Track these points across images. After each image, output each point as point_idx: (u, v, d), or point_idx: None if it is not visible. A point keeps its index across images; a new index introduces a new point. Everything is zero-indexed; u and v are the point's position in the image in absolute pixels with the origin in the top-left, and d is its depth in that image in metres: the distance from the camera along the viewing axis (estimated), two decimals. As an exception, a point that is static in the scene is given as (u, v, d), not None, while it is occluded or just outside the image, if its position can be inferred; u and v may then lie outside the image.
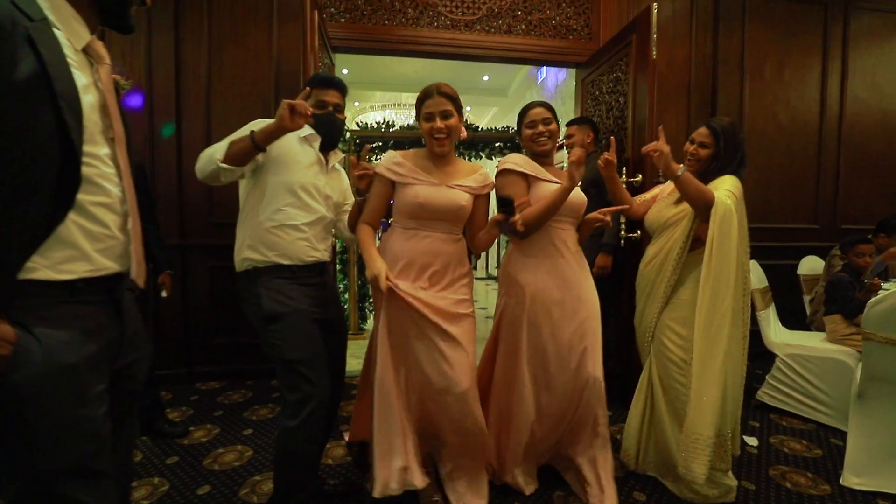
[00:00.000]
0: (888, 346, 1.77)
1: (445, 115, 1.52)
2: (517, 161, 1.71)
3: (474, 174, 1.62)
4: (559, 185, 1.59)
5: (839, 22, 3.49)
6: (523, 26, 3.17)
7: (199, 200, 2.83)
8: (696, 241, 1.75)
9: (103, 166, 0.86)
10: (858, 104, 3.56)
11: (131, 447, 1.00)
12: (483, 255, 9.00)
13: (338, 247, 3.94)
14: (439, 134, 1.53)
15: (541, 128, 1.69)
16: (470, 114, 7.31)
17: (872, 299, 1.79)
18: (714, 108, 3.33)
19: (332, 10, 2.96)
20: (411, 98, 6.57)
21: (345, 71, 5.49)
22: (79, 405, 0.77)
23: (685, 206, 1.79)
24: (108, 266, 0.86)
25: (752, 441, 2.19)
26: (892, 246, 2.55)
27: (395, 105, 6.52)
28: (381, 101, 6.52)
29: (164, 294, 2.23)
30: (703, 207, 1.65)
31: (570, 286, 1.67)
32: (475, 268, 9.05)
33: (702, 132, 1.81)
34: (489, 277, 8.23)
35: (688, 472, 1.60)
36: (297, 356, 1.45)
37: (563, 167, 2.17)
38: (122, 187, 0.91)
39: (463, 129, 1.60)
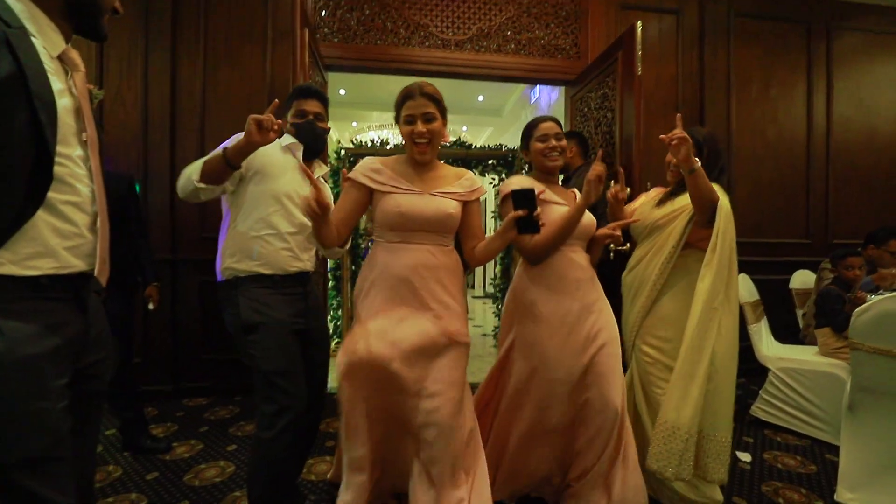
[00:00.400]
0: (876, 355, 1.75)
1: (428, 119, 1.37)
2: (523, 182, 1.59)
3: (460, 179, 1.47)
4: (573, 207, 1.51)
5: (822, 41, 3.57)
6: (513, 46, 3.24)
7: (191, 215, 2.85)
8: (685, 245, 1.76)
9: (75, 167, 0.88)
10: (845, 120, 3.61)
11: (93, 449, 0.99)
12: (479, 271, 8.99)
13: (331, 263, 3.95)
14: (420, 139, 1.38)
15: (553, 142, 1.60)
16: (466, 133, 7.41)
17: (858, 309, 1.78)
18: (702, 123, 3.38)
19: (326, 30, 3.04)
20: (408, 118, 6.67)
21: (342, 91, 5.60)
22: (38, 398, 0.77)
23: (671, 208, 1.80)
24: (75, 264, 0.87)
25: (745, 457, 2.14)
26: (881, 257, 2.55)
27: (391, 125, 6.61)
28: (378, 120, 6.63)
29: (151, 307, 2.23)
30: (708, 205, 1.65)
31: (588, 311, 1.56)
32: (472, 286, 9.03)
33: None
34: (486, 296, 8.19)
35: (660, 468, 1.55)
36: (272, 367, 1.44)
37: None
38: (93, 188, 0.92)
39: (446, 132, 1.49)
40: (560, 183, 2.05)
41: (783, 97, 3.53)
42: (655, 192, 1.96)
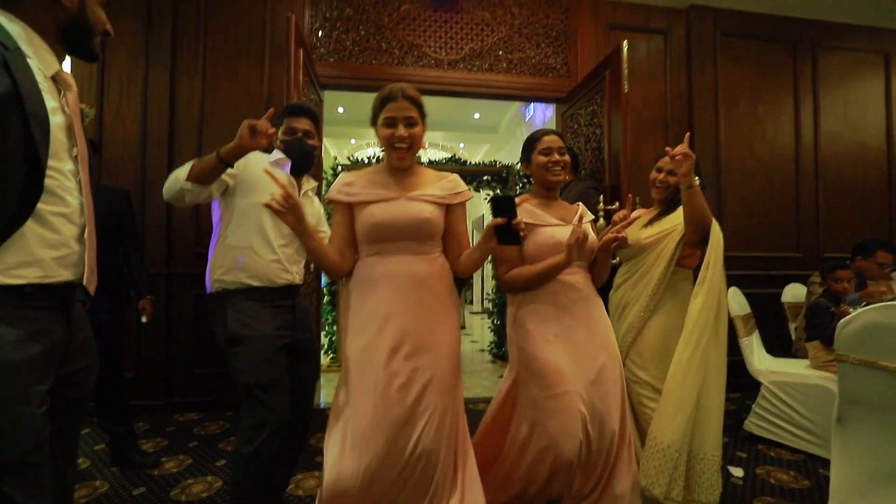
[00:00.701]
0: (862, 367, 1.75)
1: (410, 123, 1.29)
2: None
3: (441, 181, 1.37)
4: (553, 260, 1.43)
5: (808, 60, 3.66)
6: (504, 65, 3.33)
7: (187, 229, 2.88)
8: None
9: (65, 180, 0.91)
10: (833, 137, 3.67)
11: (73, 458, 1.00)
12: (477, 286, 8.98)
13: (325, 278, 3.97)
14: (400, 143, 1.29)
15: (556, 156, 1.55)
16: (463, 150, 7.51)
17: (842, 320, 1.79)
18: (692, 140, 3.42)
19: (322, 50, 3.12)
20: (406, 135, 6.77)
21: (340, 109, 5.70)
22: (19, 402, 0.79)
23: (659, 229, 1.83)
24: (61, 274, 0.90)
25: (738, 472, 2.12)
26: (870, 268, 2.57)
27: (389, 141, 6.72)
28: (375, 138, 6.73)
29: (144, 320, 2.24)
30: (701, 223, 1.67)
31: (584, 330, 1.49)
32: (469, 301, 9.00)
33: (668, 161, 1.87)
34: (484, 311, 8.18)
35: (648, 486, 1.54)
36: (254, 380, 1.45)
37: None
38: (82, 201, 0.95)
39: (424, 140, 1.42)
40: None
41: (771, 114, 3.59)
42: (638, 213, 1.99)
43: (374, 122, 1.35)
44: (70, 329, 0.93)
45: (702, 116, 3.46)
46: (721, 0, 3.44)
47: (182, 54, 2.94)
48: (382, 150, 1.38)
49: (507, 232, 1.20)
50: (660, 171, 1.91)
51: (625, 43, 2.54)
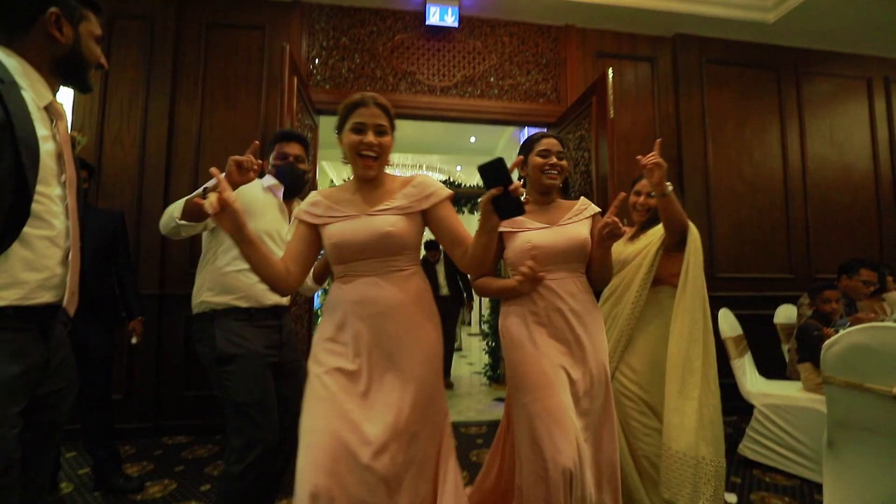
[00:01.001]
0: (849, 389, 1.74)
1: (380, 131, 1.20)
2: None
3: (405, 188, 1.25)
4: (507, 284, 1.40)
5: (792, 86, 3.75)
6: (496, 91, 3.42)
7: (181, 251, 2.92)
8: (655, 280, 1.80)
9: (52, 205, 0.95)
10: (820, 160, 3.73)
11: (44, 481, 1.00)
12: (477, 306, 8.91)
13: (318, 301, 3.98)
14: (368, 151, 1.19)
15: (554, 159, 1.50)
16: (461, 173, 7.61)
17: (827, 342, 1.79)
18: (680, 163, 3.50)
19: (318, 77, 3.22)
20: (403, 158, 6.89)
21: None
22: None
23: (640, 246, 1.86)
24: (42, 296, 0.92)
25: (731, 498, 2.08)
26: (855, 287, 2.59)
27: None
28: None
29: (134, 341, 2.25)
30: (678, 229, 1.71)
31: (573, 344, 1.42)
32: (468, 323, 8.91)
33: (646, 184, 1.91)
34: (482, 333, 8.12)
35: (671, 498, 1.54)
36: (245, 398, 1.46)
37: None
38: (68, 224, 0.99)
39: (389, 157, 1.32)
40: None
41: (758, 137, 3.66)
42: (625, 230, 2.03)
43: (339, 130, 1.24)
44: (48, 350, 0.94)
45: (690, 140, 3.53)
46: (705, 29, 3.55)
47: (182, 82, 3.03)
48: (345, 162, 1.27)
49: (506, 202, 1.04)
50: (639, 194, 1.94)
51: (609, 70, 2.62)
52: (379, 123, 1.21)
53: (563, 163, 1.52)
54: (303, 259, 1.24)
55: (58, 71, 0.99)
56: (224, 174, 1.42)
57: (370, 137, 1.19)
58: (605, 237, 1.36)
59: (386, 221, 1.20)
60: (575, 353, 1.41)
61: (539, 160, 1.51)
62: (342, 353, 1.17)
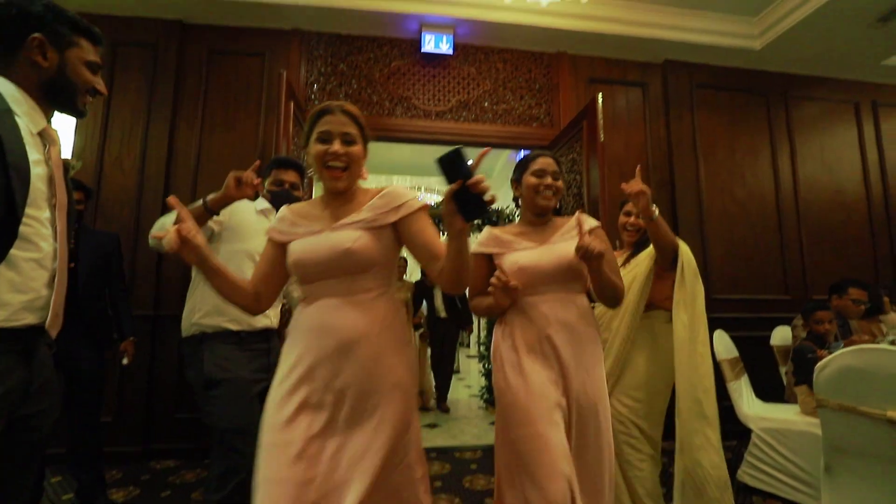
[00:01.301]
0: (843, 413, 1.72)
1: (347, 140, 1.11)
2: (481, 240, 1.49)
3: (373, 199, 1.13)
4: (488, 300, 1.38)
5: (781, 110, 3.82)
6: (490, 115, 3.49)
7: (176, 272, 2.93)
8: (647, 304, 1.83)
9: (41, 227, 0.97)
10: (811, 181, 3.77)
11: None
12: (476, 328, 8.83)
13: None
14: (335, 162, 1.09)
15: (549, 180, 1.43)
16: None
17: (819, 364, 1.78)
18: (672, 185, 3.54)
19: (316, 102, 3.29)
20: (402, 181, 6.98)
21: (338, 156, 5.92)
22: None
23: (631, 270, 1.87)
24: (25, 318, 0.93)
25: (730, 525, 2.03)
26: (846, 306, 2.59)
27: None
28: (373, 183, 6.95)
29: (125, 361, 2.24)
30: (669, 248, 1.78)
31: (569, 368, 1.31)
32: (466, 345, 8.82)
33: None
34: (480, 356, 8.05)
35: None
36: (229, 424, 1.44)
37: None
38: (55, 247, 1.00)
39: (365, 170, 1.20)
40: None
41: (749, 159, 3.71)
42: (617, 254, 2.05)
43: (306, 141, 1.15)
44: (31, 372, 0.94)
45: (682, 163, 3.58)
46: (694, 55, 3.64)
47: (183, 106, 3.10)
48: (312, 174, 1.19)
49: (466, 199, 0.91)
50: (628, 214, 1.97)
51: (599, 96, 2.68)
52: (346, 132, 1.11)
53: (559, 183, 1.45)
54: (271, 280, 1.17)
55: (45, 96, 1.02)
56: (223, 188, 1.46)
57: (336, 146, 1.09)
58: (581, 259, 1.28)
59: (346, 237, 1.08)
60: (561, 383, 1.31)
61: (533, 180, 1.43)
62: (300, 400, 1.02)
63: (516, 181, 1.50)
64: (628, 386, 1.80)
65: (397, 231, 1.13)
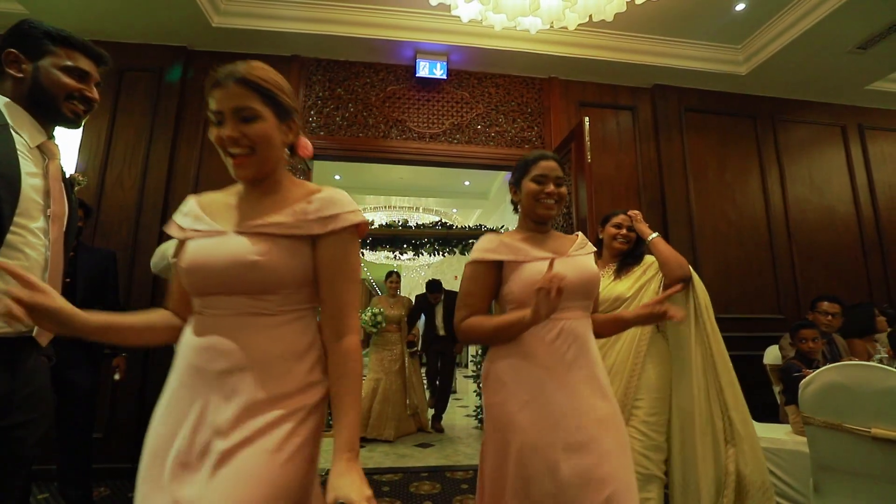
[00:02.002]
0: (829, 430, 1.72)
1: (244, 117, 0.85)
2: (487, 245, 1.27)
3: (301, 202, 0.87)
4: (516, 316, 1.14)
5: (769, 132, 3.91)
6: (483, 138, 3.58)
7: (173, 289, 2.97)
8: None
9: (32, 237, 1.01)
10: (801, 202, 3.82)
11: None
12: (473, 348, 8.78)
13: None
14: (235, 147, 0.85)
15: (551, 187, 1.27)
16: (457, 215, 7.78)
17: (803, 381, 1.79)
18: (664, 205, 3.59)
19: (314, 124, 3.40)
20: (401, 201, 7.07)
21: (337, 177, 6.02)
22: None
23: (637, 279, 1.90)
24: (8, 327, 0.96)
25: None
26: (817, 320, 2.67)
27: (385, 207, 7.01)
28: (372, 203, 7.04)
29: (117, 377, 2.26)
30: (676, 267, 1.81)
31: (580, 413, 1.13)
32: (465, 365, 8.74)
33: (625, 217, 2.01)
34: (474, 375, 7.97)
35: None
36: None
37: None
38: (47, 256, 1.04)
39: (306, 144, 0.98)
40: None
41: (739, 181, 3.78)
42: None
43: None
44: (14, 381, 0.97)
45: (672, 184, 3.64)
46: (683, 80, 3.75)
47: (184, 128, 3.21)
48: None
49: None
50: (619, 227, 2.02)
51: (586, 119, 2.76)
52: (241, 106, 0.84)
53: (563, 190, 1.29)
54: (185, 299, 0.89)
55: (32, 108, 1.05)
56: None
57: (228, 129, 0.84)
58: (647, 318, 1.29)
59: (252, 247, 0.82)
60: (585, 432, 1.13)
61: (534, 186, 1.27)
62: (172, 436, 0.83)
63: (515, 185, 1.35)
64: (646, 400, 1.84)
65: (314, 248, 0.87)
